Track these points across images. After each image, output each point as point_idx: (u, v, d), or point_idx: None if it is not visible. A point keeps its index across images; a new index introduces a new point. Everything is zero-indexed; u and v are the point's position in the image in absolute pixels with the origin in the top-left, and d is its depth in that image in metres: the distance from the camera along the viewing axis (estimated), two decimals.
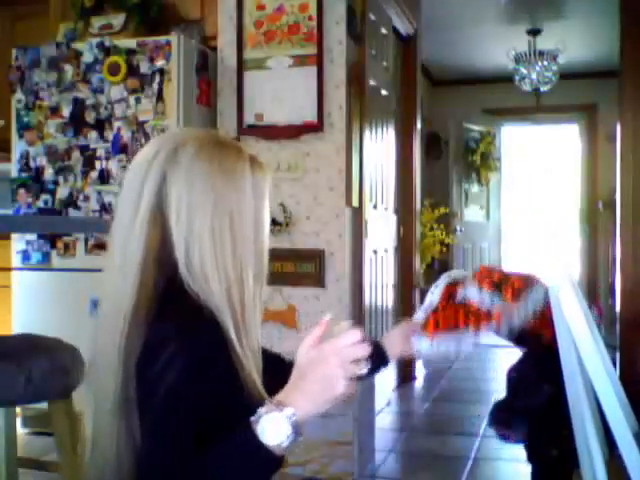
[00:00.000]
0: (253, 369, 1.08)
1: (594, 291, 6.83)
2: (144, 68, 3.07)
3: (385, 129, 3.87)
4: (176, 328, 1.03)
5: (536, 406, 1.55)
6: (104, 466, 1.07)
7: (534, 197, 8.95)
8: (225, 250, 1.08)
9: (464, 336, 1.42)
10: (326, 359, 0.97)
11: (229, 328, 1.06)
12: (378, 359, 1.51)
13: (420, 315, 1.52)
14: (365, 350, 0.98)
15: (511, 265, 7.85)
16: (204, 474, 0.99)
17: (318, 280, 3.05)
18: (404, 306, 4.36)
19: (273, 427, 0.94)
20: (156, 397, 1.00)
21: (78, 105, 3.17)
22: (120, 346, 1.05)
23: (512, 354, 1.71)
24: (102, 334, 1.11)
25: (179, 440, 1.00)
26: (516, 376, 1.60)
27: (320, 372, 0.97)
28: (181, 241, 1.07)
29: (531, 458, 1.71)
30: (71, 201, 3.18)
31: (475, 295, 1.42)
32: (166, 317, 1.04)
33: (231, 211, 1.09)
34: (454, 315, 1.44)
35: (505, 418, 1.61)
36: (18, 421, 2.75)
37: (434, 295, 1.52)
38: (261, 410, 0.97)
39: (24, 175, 3.25)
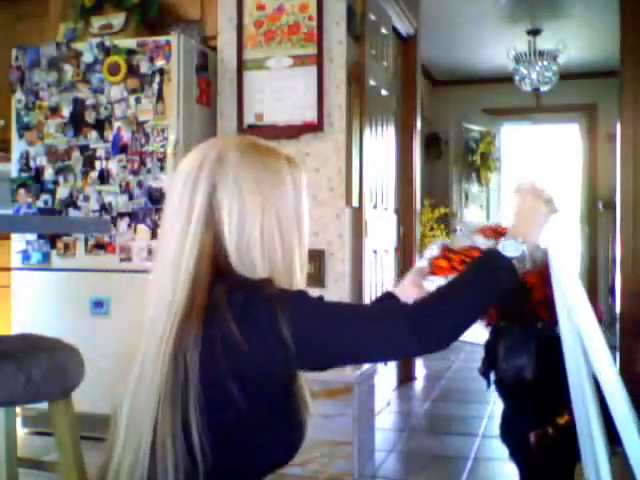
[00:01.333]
0: None
1: (594, 291, 6.83)
2: (144, 68, 3.07)
3: (385, 129, 3.87)
4: (267, 288, 1.12)
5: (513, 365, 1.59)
6: (135, 467, 1.08)
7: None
8: (275, 246, 1.17)
9: None
10: (525, 199, 1.30)
11: None
12: None
13: (423, 262, 1.51)
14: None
15: None
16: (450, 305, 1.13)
17: (318, 280, 3.05)
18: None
19: (511, 246, 1.21)
20: (316, 317, 1.10)
21: (78, 105, 3.17)
22: (167, 346, 1.08)
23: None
24: (146, 330, 1.14)
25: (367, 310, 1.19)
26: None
27: (525, 209, 1.30)
28: (234, 237, 1.15)
29: (513, 454, 1.73)
30: (71, 201, 3.18)
31: (482, 241, 1.42)
32: (238, 295, 1.10)
33: (277, 209, 1.18)
34: (467, 251, 1.43)
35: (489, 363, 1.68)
36: (18, 421, 2.75)
37: (433, 251, 1.52)
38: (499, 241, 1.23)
39: (24, 175, 3.25)
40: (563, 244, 1.24)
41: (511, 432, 1.75)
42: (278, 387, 1.14)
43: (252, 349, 1.06)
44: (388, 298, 1.53)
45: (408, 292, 1.51)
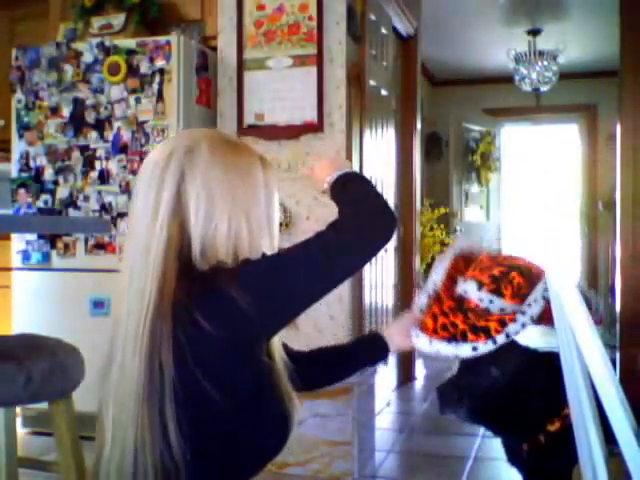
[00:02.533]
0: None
1: (594, 291, 6.83)
2: (144, 68, 3.07)
3: (385, 129, 3.87)
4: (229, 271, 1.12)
5: (481, 386, 1.56)
6: (121, 464, 1.08)
7: (534, 197, 8.95)
8: (243, 244, 1.15)
9: (461, 346, 1.38)
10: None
11: None
12: (379, 350, 1.53)
13: (422, 299, 1.49)
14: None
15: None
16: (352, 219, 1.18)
17: None
18: (404, 306, 4.36)
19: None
20: (263, 274, 1.11)
21: (78, 105, 3.17)
22: (144, 334, 1.07)
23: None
24: (122, 328, 1.12)
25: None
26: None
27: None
28: (198, 236, 1.13)
29: (511, 459, 1.73)
30: (71, 201, 3.18)
31: (474, 293, 1.39)
32: (211, 273, 1.12)
33: (247, 207, 1.16)
34: (452, 312, 1.42)
35: (451, 394, 1.62)
36: (18, 421, 2.75)
37: (437, 274, 1.51)
38: None
39: (24, 175, 3.25)
40: (560, 264, 1.23)
41: (506, 445, 1.75)
42: (250, 375, 1.12)
43: (217, 336, 1.05)
44: (373, 339, 1.53)
45: (396, 339, 1.51)
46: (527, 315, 1.35)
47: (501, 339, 1.35)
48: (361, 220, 1.17)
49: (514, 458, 1.73)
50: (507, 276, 1.38)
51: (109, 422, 1.11)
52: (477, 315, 1.39)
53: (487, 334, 1.36)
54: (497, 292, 1.39)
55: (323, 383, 1.51)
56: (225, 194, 1.14)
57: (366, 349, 1.55)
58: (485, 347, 1.36)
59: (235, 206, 1.15)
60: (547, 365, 1.51)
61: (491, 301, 1.38)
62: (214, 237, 1.13)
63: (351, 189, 1.27)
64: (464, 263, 1.52)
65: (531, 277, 1.39)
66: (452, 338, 1.38)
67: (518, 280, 1.38)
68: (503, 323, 1.36)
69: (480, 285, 1.39)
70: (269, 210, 1.22)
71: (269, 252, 1.20)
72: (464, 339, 1.37)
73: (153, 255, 1.11)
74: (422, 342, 1.42)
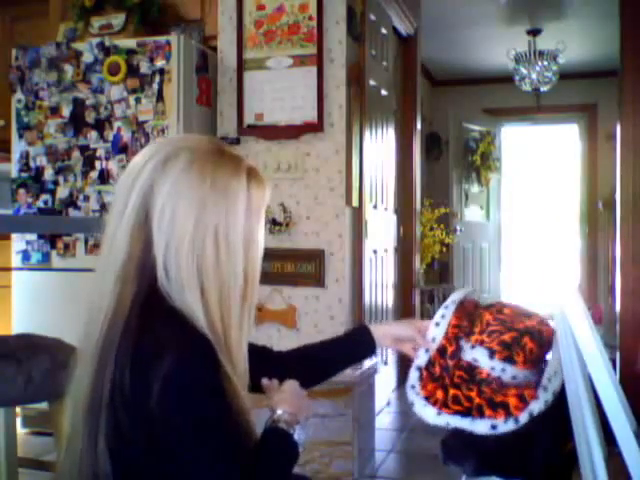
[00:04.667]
0: (240, 388, 1.08)
1: (594, 291, 6.83)
2: (144, 68, 3.07)
3: (385, 129, 3.87)
4: (170, 339, 1.02)
5: (488, 439, 1.43)
6: (72, 467, 1.08)
7: (534, 197, 8.95)
8: (205, 264, 1.06)
9: (477, 422, 1.30)
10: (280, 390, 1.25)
11: (212, 339, 1.05)
12: (365, 347, 1.48)
13: (422, 356, 1.42)
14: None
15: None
16: None
17: (318, 280, 3.05)
18: (404, 306, 4.36)
19: (302, 434, 1.18)
20: (182, 426, 1.01)
21: (78, 105, 3.18)
22: (97, 348, 1.05)
23: None
24: (83, 338, 1.10)
25: (239, 455, 1.05)
26: None
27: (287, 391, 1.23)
28: (160, 249, 1.05)
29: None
30: (71, 201, 3.18)
31: (486, 362, 1.32)
32: (155, 328, 1.03)
33: (217, 225, 1.06)
34: (466, 384, 1.33)
35: (455, 447, 1.52)
36: (18, 421, 2.75)
37: (440, 328, 1.43)
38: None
39: (24, 175, 3.25)
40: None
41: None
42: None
43: (132, 399, 1.01)
44: (361, 333, 1.49)
45: (384, 341, 1.48)
46: (549, 392, 1.28)
47: (524, 418, 1.27)
48: None
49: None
50: (519, 342, 1.31)
51: (66, 431, 1.12)
52: (492, 388, 1.32)
53: (506, 410, 1.29)
54: (509, 360, 1.32)
55: (310, 384, 1.44)
56: (191, 208, 1.05)
57: (353, 346, 1.51)
58: (505, 427, 1.28)
59: (201, 221, 1.05)
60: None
61: (503, 370, 1.32)
62: (177, 254, 1.04)
63: (282, 453, 1.16)
64: (467, 321, 1.44)
65: (542, 341, 1.33)
66: (466, 413, 1.32)
67: (530, 346, 1.31)
68: (523, 399, 1.28)
69: (492, 353, 1.32)
70: (249, 231, 1.11)
71: (241, 276, 1.09)
72: (480, 415, 1.30)
73: (112, 271, 1.06)
74: (428, 413, 1.36)
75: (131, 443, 1.03)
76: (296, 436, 1.16)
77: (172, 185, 1.06)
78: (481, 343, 1.34)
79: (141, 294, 1.06)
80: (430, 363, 1.42)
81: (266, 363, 1.33)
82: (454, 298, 1.48)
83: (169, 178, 1.06)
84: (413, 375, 1.41)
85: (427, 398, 1.37)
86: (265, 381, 1.26)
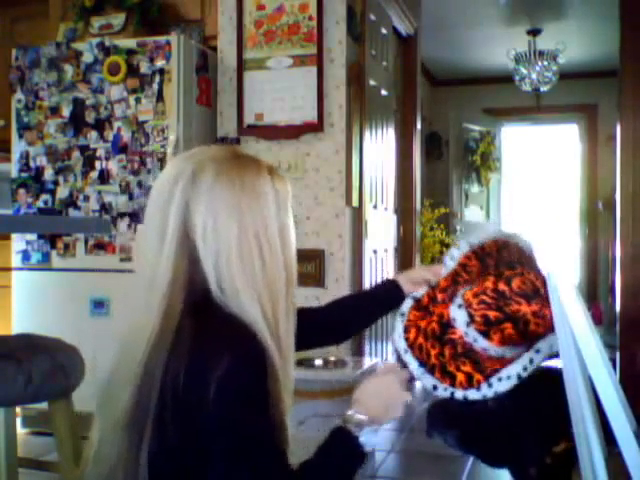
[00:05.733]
0: (286, 384, 1.13)
1: (594, 291, 6.83)
2: (144, 68, 3.07)
3: (385, 129, 3.87)
4: (227, 342, 1.05)
5: (474, 410, 1.47)
6: (106, 475, 1.08)
7: (534, 197, 8.95)
8: (254, 267, 1.10)
9: (427, 377, 1.33)
10: (381, 380, 1.27)
11: (267, 339, 1.08)
12: (394, 298, 1.53)
13: (422, 291, 1.45)
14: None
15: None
16: None
17: (318, 280, 3.06)
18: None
19: (371, 438, 1.16)
20: (233, 420, 1.04)
21: (78, 105, 3.18)
22: (140, 366, 1.06)
23: None
24: (121, 357, 1.12)
25: (277, 457, 1.08)
26: None
27: (381, 391, 1.25)
28: (210, 264, 1.09)
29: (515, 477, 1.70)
30: (71, 201, 3.18)
31: (462, 325, 1.32)
32: (212, 333, 1.07)
33: (256, 228, 1.11)
34: (432, 340, 1.36)
35: (439, 416, 1.57)
36: (18, 421, 2.75)
37: (447, 268, 1.46)
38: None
39: (24, 175, 3.25)
40: (561, 270, 1.18)
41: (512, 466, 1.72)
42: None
43: (187, 402, 1.04)
44: (388, 285, 1.55)
45: (410, 286, 1.51)
46: (492, 389, 1.30)
47: (459, 396, 1.30)
48: None
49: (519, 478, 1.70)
50: (500, 324, 1.30)
51: (94, 438, 1.12)
52: (452, 353, 1.33)
53: (452, 380, 1.31)
54: (485, 334, 1.32)
55: (343, 335, 1.58)
56: (231, 216, 1.09)
57: (384, 296, 1.56)
58: (444, 393, 1.32)
59: (242, 227, 1.10)
60: (545, 384, 1.46)
61: (475, 340, 1.32)
62: (227, 265, 1.08)
63: (342, 456, 1.17)
64: (475, 261, 1.45)
65: (526, 332, 1.31)
66: (422, 363, 1.35)
67: (510, 332, 1.30)
68: (470, 381, 1.30)
69: (470, 321, 1.32)
70: (282, 226, 1.16)
71: (283, 271, 1.15)
72: (431, 372, 1.33)
73: (157, 288, 1.08)
74: (401, 346, 1.39)
75: (174, 456, 1.05)
76: (363, 439, 1.16)
77: (207, 199, 1.09)
78: (468, 306, 1.33)
79: (191, 308, 1.09)
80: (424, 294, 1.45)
81: (302, 323, 1.31)
82: (470, 241, 1.49)
83: (202, 193, 1.09)
84: (406, 303, 1.46)
85: (406, 329, 1.41)
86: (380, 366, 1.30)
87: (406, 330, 1.40)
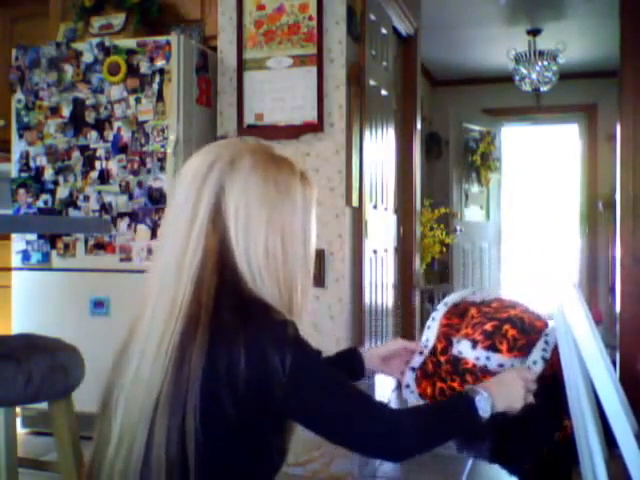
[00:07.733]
0: None
1: (594, 291, 6.83)
2: (144, 68, 3.07)
3: (385, 129, 3.87)
4: (277, 329, 1.10)
5: (498, 423, 1.50)
6: (131, 457, 1.07)
7: (534, 197, 8.95)
8: (277, 261, 1.14)
9: None
10: (514, 376, 1.26)
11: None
12: (354, 368, 1.50)
13: (416, 359, 1.45)
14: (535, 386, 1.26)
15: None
16: (423, 431, 1.17)
17: (318, 280, 3.05)
18: (404, 306, 4.36)
19: (486, 405, 1.19)
20: (311, 384, 1.11)
21: (78, 105, 3.18)
22: (170, 344, 1.07)
23: None
24: (143, 337, 1.11)
25: (371, 403, 1.15)
26: None
27: (510, 381, 1.25)
28: (240, 245, 1.12)
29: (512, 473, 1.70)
30: (71, 201, 3.18)
31: (469, 352, 1.34)
32: (255, 320, 1.09)
33: (283, 225, 1.15)
34: (450, 376, 1.37)
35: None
36: (18, 421, 2.75)
37: (431, 330, 1.46)
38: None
39: (24, 175, 3.25)
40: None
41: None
42: (267, 415, 1.12)
43: (251, 379, 1.05)
44: (351, 355, 1.52)
45: (375, 362, 1.51)
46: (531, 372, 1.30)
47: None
48: (437, 435, 1.21)
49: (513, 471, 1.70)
50: (500, 330, 1.33)
51: (117, 422, 1.10)
52: (475, 377, 1.34)
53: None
54: (492, 348, 1.33)
55: None
56: (263, 206, 1.13)
57: (342, 365, 1.52)
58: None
59: (271, 220, 1.13)
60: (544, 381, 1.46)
61: (488, 358, 1.33)
62: (255, 255, 1.12)
63: (453, 427, 1.23)
64: (457, 319, 1.47)
65: (524, 327, 1.34)
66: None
67: (512, 333, 1.33)
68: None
69: (474, 343, 1.34)
70: (306, 228, 1.19)
71: (302, 271, 1.19)
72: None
73: (187, 266, 1.10)
74: (414, 400, 1.41)
75: (222, 423, 1.06)
76: (478, 399, 1.19)
77: (242, 186, 1.13)
78: (466, 336, 1.37)
79: (223, 289, 1.11)
80: (424, 363, 1.45)
81: None
82: (445, 301, 1.53)
83: (239, 177, 1.13)
84: (408, 375, 1.46)
85: (420, 395, 1.42)
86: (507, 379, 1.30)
87: (421, 396, 1.43)
